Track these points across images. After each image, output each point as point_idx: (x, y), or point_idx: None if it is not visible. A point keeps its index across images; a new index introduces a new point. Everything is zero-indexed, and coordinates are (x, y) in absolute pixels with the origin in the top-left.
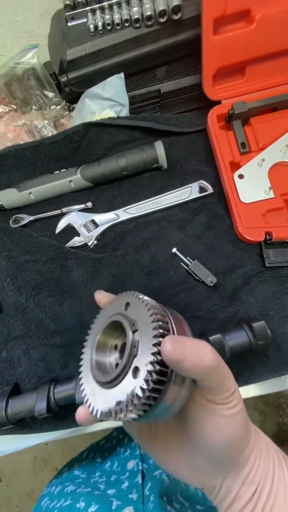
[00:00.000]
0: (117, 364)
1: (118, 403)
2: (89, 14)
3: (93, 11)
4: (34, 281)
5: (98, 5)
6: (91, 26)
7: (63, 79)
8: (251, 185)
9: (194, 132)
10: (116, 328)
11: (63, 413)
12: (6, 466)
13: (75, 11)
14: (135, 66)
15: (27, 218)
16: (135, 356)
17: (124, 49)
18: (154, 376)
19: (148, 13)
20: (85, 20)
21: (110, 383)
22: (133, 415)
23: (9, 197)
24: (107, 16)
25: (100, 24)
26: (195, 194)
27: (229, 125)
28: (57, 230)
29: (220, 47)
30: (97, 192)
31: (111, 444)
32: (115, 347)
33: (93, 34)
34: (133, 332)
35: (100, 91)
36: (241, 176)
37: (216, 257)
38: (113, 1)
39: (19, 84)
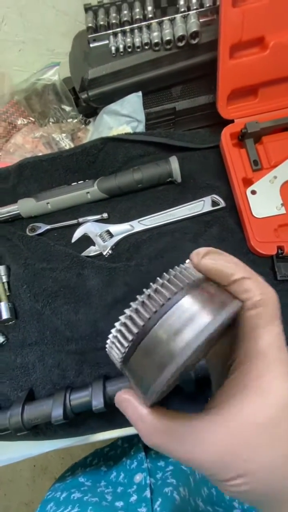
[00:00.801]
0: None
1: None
2: (111, 37)
3: (115, 34)
4: (50, 288)
5: (119, 29)
6: (113, 48)
7: (83, 95)
8: (263, 201)
9: (207, 148)
10: None
11: (77, 420)
12: (4, 474)
13: (98, 34)
14: (153, 85)
15: (43, 227)
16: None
17: (143, 70)
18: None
19: (168, 38)
20: (107, 42)
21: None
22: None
23: (27, 206)
24: (128, 39)
25: (121, 46)
26: (208, 207)
27: (241, 142)
28: (73, 239)
29: (235, 71)
30: (112, 204)
31: (115, 452)
32: None
33: (114, 55)
34: None
35: (118, 108)
36: (253, 192)
37: None
38: (134, 26)
39: (38, 98)
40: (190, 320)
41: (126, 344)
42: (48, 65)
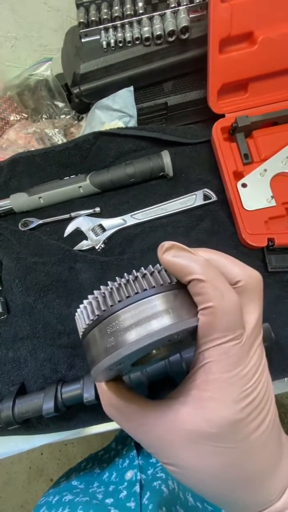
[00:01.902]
0: None
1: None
2: (102, 32)
3: (106, 30)
4: (42, 282)
5: (111, 24)
6: (104, 43)
7: (75, 90)
8: (253, 193)
9: (198, 143)
10: None
11: (68, 414)
12: None
13: (89, 29)
14: (144, 80)
15: (36, 222)
16: None
17: (134, 65)
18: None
19: (158, 33)
20: (98, 37)
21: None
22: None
23: (19, 201)
24: (119, 34)
25: (112, 41)
26: (200, 201)
27: (232, 137)
28: (66, 234)
29: (225, 66)
30: (105, 198)
31: (109, 455)
32: None
33: (105, 50)
34: None
35: (110, 103)
36: (244, 185)
37: None
38: (125, 21)
39: (31, 94)
40: (148, 320)
41: (91, 317)
42: (40, 60)
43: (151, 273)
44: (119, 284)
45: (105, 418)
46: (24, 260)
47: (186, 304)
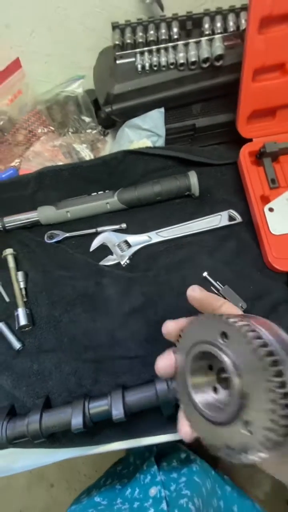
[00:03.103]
0: (220, 403)
1: (228, 447)
2: (138, 55)
3: (141, 53)
4: (69, 296)
5: (146, 48)
6: (139, 66)
7: (107, 109)
8: (280, 218)
9: (224, 164)
10: (209, 356)
11: (93, 429)
12: None
13: (125, 52)
14: (174, 102)
15: (62, 235)
16: (243, 406)
17: (167, 88)
18: (273, 438)
19: (193, 59)
20: (133, 59)
21: (216, 423)
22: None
23: (47, 213)
24: (155, 59)
25: (147, 64)
26: (225, 222)
27: (259, 161)
28: (92, 248)
29: (256, 93)
30: (130, 214)
31: (128, 470)
32: (210, 367)
33: (140, 72)
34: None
35: (140, 123)
36: (271, 210)
37: (244, 283)
38: (160, 46)
39: (60, 108)
40: None
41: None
42: (73, 77)
43: None
44: None
45: (129, 435)
46: (51, 273)
47: None
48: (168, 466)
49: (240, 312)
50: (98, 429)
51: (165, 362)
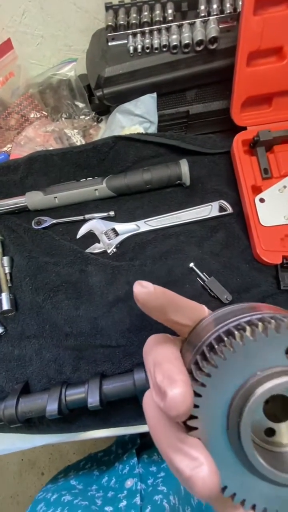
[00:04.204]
0: None
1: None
2: (130, 37)
3: (134, 35)
4: (52, 282)
5: (139, 30)
6: (131, 48)
7: (98, 93)
8: (271, 209)
9: (217, 153)
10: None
11: (71, 416)
12: None
13: (117, 33)
14: (168, 87)
15: (49, 221)
16: None
17: (159, 71)
18: None
19: (186, 41)
20: (125, 41)
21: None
22: None
23: (35, 199)
24: (147, 40)
25: (139, 46)
26: (215, 212)
27: (252, 150)
28: (79, 235)
29: (251, 79)
30: (119, 202)
31: (109, 458)
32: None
33: (131, 55)
34: None
35: (132, 108)
36: (262, 200)
37: (232, 275)
38: (153, 27)
39: (53, 92)
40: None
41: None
42: (65, 60)
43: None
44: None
45: (107, 424)
46: (36, 259)
47: None
48: (148, 458)
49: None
50: (77, 416)
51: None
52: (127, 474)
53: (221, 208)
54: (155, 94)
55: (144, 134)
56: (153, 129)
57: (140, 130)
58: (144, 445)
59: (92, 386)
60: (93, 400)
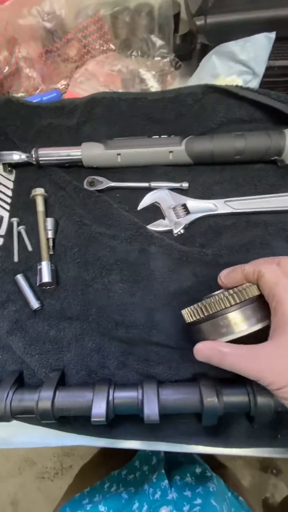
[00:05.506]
0: None
1: None
2: None
3: None
4: (105, 259)
5: None
6: None
7: (198, 21)
8: None
9: None
10: None
11: (113, 419)
12: None
13: None
14: None
15: (106, 183)
16: None
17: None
18: None
19: None
20: None
21: None
22: None
23: (93, 153)
24: None
25: None
26: None
27: None
28: (140, 206)
29: None
30: (194, 173)
31: (134, 476)
32: None
33: None
34: None
35: (237, 50)
36: None
37: None
38: None
39: (128, 19)
40: (247, 320)
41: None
42: None
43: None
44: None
45: (156, 437)
46: (88, 227)
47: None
48: (181, 481)
49: None
50: (119, 420)
51: None
52: (160, 501)
53: None
54: (273, 34)
55: (244, 89)
56: (255, 84)
57: (239, 82)
58: (170, 462)
59: (148, 393)
60: (151, 412)
